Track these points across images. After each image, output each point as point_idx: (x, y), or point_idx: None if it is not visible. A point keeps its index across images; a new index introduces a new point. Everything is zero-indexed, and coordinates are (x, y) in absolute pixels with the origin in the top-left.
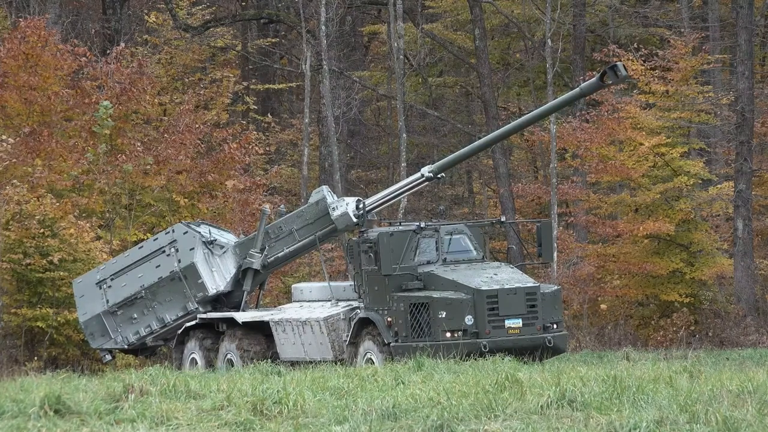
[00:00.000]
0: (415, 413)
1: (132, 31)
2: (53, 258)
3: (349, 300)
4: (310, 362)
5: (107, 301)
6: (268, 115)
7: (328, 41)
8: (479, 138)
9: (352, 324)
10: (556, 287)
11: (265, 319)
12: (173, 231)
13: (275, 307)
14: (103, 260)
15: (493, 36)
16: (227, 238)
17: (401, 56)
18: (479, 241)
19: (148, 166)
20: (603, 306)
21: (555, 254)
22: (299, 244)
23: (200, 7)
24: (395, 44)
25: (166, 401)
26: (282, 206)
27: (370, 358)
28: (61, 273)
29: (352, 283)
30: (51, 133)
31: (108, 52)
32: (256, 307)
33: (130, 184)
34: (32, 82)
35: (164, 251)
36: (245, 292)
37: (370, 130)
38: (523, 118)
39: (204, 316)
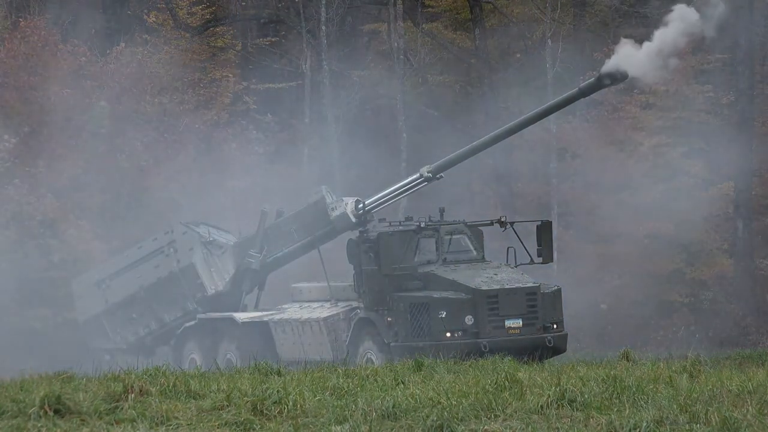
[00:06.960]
0: (415, 413)
1: (132, 31)
2: (53, 258)
3: (349, 300)
4: (310, 362)
5: (106, 301)
6: (268, 115)
7: (328, 41)
8: (479, 138)
9: (352, 324)
10: (556, 287)
11: (265, 319)
12: (172, 231)
13: (275, 307)
14: (102, 260)
15: (493, 36)
16: (226, 238)
17: (401, 56)
18: (479, 241)
19: (144, 162)
20: (603, 306)
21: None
22: (298, 244)
23: (200, 6)
24: (395, 44)
25: (166, 401)
26: (281, 206)
27: (370, 358)
28: (61, 273)
29: (352, 283)
30: (51, 133)
31: (108, 52)
32: (255, 307)
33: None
34: (32, 82)
35: (163, 251)
36: (243, 293)
37: (370, 129)
38: (523, 118)
39: (203, 316)
